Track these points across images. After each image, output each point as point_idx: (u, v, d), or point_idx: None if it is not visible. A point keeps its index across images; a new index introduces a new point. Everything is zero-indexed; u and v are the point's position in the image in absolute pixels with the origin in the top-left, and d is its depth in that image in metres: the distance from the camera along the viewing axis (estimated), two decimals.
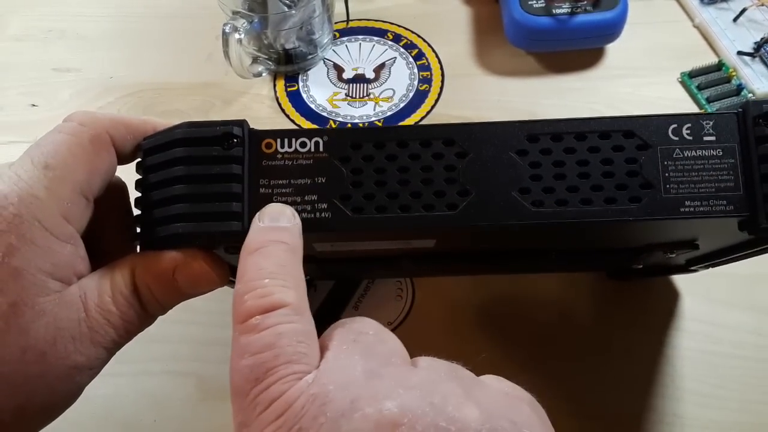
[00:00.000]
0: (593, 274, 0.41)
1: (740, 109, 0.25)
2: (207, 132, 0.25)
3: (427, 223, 0.25)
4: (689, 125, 0.25)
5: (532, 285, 0.41)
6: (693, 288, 0.41)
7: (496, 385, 0.22)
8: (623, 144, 0.25)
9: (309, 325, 0.22)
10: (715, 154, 0.25)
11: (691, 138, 0.25)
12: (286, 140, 0.26)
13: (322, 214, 0.25)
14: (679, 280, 0.41)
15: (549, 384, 0.37)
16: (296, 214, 0.25)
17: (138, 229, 0.26)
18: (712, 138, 0.25)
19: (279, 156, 0.26)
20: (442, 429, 0.19)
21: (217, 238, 0.25)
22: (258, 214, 0.25)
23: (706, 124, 0.25)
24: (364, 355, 0.22)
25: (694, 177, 0.25)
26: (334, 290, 0.42)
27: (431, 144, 0.26)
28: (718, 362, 0.38)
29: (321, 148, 0.26)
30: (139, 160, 0.27)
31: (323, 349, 0.22)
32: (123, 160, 0.27)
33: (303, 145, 0.26)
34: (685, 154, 0.25)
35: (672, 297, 0.41)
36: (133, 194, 0.27)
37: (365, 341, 0.22)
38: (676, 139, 0.25)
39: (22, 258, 0.23)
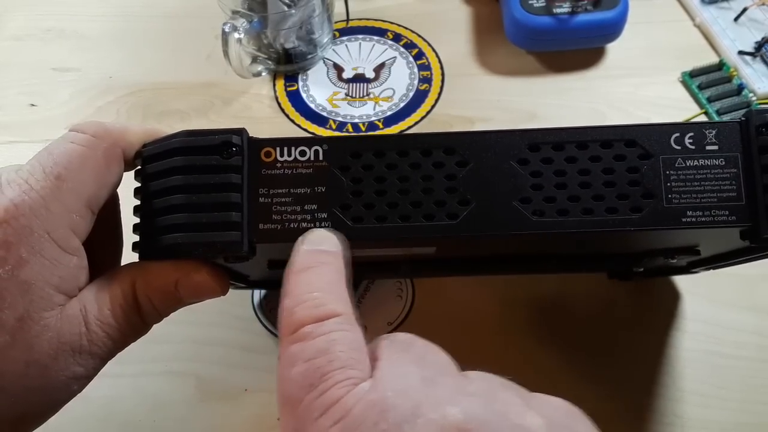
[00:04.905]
0: (594, 274, 0.41)
1: (743, 118, 0.25)
2: (205, 141, 0.25)
3: (427, 233, 0.25)
4: (692, 134, 0.25)
5: (532, 285, 0.41)
6: (694, 288, 0.40)
7: (549, 398, 0.22)
8: (625, 153, 0.25)
9: (361, 335, 0.22)
10: (717, 163, 0.25)
11: (693, 147, 0.25)
12: (285, 149, 0.25)
13: (322, 224, 0.25)
14: (680, 280, 0.41)
15: (548, 384, 0.37)
16: (339, 243, 0.24)
17: (137, 238, 0.26)
18: (715, 147, 0.25)
19: (278, 165, 0.25)
20: None
21: (216, 248, 0.25)
22: (301, 237, 0.24)
23: (709, 133, 0.25)
24: (418, 364, 0.21)
25: (696, 187, 0.25)
26: None
27: (432, 153, 0.25)
28: (719, 363, 0.38)
29: (320, 157, 0.25)
30: (138, 167, 0.27)
31: (372, 360, 0.22)
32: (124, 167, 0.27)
33: (302, 153, 0.25)
34: (688, 164, 0.25)
35: (673, 297, 0.40)
36: (131, 201, 0.27)
37: (416, 351, 0.22)
38: (679, 148, 0.25)
39: (31, 271, 0.23)
